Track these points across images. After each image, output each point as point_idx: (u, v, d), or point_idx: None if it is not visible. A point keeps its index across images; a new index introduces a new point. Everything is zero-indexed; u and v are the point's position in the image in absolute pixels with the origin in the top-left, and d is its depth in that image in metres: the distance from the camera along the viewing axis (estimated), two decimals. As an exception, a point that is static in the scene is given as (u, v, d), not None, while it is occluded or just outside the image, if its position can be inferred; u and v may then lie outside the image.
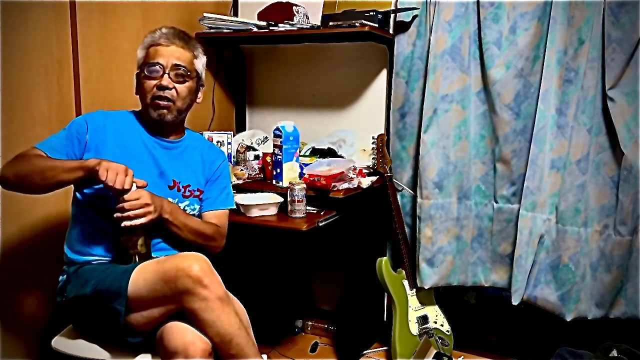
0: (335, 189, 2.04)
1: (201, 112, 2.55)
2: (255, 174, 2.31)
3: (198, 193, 1.71)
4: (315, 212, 2.07)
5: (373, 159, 2.37)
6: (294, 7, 2.38)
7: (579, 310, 2.16)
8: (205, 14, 2.39)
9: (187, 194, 1.69)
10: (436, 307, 2.40)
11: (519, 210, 2.18)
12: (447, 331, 2.38)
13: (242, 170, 2.28)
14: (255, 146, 2.43)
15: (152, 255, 1.54)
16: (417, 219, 2.32)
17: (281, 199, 2.06)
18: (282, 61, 2.75)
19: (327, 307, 2.77)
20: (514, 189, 2.23)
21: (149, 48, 1.61)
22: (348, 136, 2.45)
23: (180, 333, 1.38)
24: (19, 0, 1.75)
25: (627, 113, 2.04)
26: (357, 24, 2.15)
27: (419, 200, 2.31)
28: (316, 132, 2.61)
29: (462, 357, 2.42)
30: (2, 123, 1.72)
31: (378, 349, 2.50)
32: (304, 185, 2.01)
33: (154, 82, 1.58)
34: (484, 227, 2.31)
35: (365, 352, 2.47)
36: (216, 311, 1.38)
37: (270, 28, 2.33)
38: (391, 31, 2.37)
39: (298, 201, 1.98)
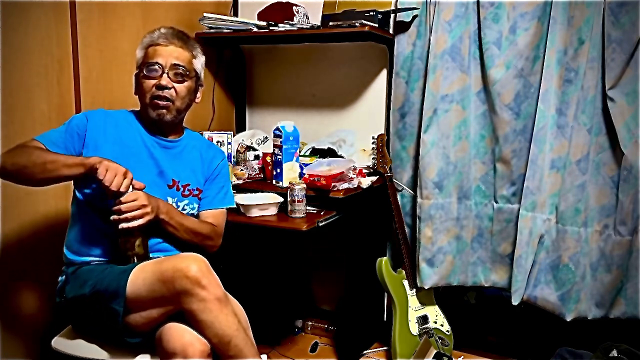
0: (335, 189, 2.04)
1: (201, 112, 2.55)
2: (255, 174, 2.31)
3: (197, 192, 1.71)
4: (315, 212, 2.07)
5: (373, 159, 2.37)
6: (294, 7, 2.38)
7: (579, 310, 2.16)
8: (205, 14, 2.39)
9: (187, 193, 1.69)
10: (436, 307, 2.39)
11: (519, 210, 2.18)
12: (447, 331, 2.38)
13: (242, 170, 2.28)
14: (255, 146, 2.43)
15: (150, 256, 1.54)
16: (417, 219, 2.32)
17: (281, 199, 2.06)
18: (282, 61, 2.75)
19: (327, 307, 2.77)
20: (514, 189, 2.23)
21: (147, 48, 1.61)
22: (348, 136, 2.45)
23: (178, 334, 1.38)
24: (19, 0, 1.75)
25: (627, 113, 2.04)
26: (357, 24, 2.15)
27: (419, 200, 2.31)
28: (316, 132, 2.61)
29: (462, 357, 2.42)
30: (2, 123, 1.72)
31: (378, 349, 2.50)
32: (304, 185, 2.01)
33: (153, 81, 1.58)
34: (484, 227, 2.31)
35: (365, 352, 2.47)
36: (214, 312, 1.38)
37: (270, 28, 2.33)
38: (391, 31, 2.37)
39: (298, 201, 1.98)
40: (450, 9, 2.20)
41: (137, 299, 1.41)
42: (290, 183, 2.03)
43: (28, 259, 1.86)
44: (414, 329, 2.30)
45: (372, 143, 2.36)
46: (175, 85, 1.60)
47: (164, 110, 1.60)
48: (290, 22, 2.32)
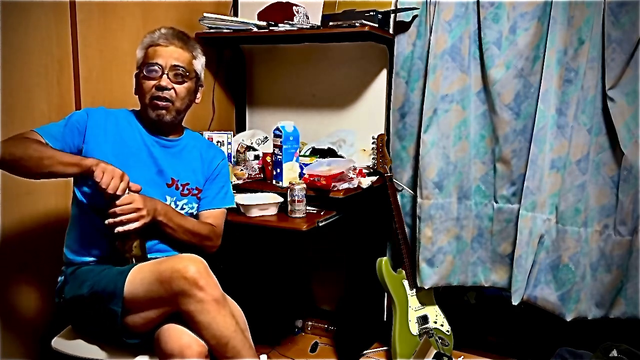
0: (335, 189, 2.04)
1: (201, 112, 2.55)
2: (255, 174, 2.31)
3: (196, 192, 1.71)
4: (315, 212, 2.07)
5: (373, 159, 2.36)
6: (294, 7, 2.38)
7: (579, 310, 2.16)
8: (205, 14, 2.39)
9: (186, 192, 1.68)
10: (436, 307, 2.39)
11: (519, 210, 2.18)
12: (447, 331, 2.38)
13: (242, 170, 2.28)
14: (255, 146, 2.43)
15: (148, 257, 1.54)
16: (417, 219, 2.32)
17: (281, 199, 2.06)
18: (282, 61, 2.75)
19: (327, 307, 2.77)
20: (514, 189, 2.23)
21: (148, 48, 1.61)
22: (348, 136, 2.45)
23: (176, 336, 1.37)
24: (19, 0, 1.75)
25: (627, 113, 2.04)
26: (357, 24, 2.15)
27: (419, 200, 2.31)
28: (316, 132, 2.61)
29: (462, 357, 2.42)
30: (2, 123, 1.72)
31: (378, 349, 2.50)
32: (304, 185, 2.01)
33: (152, 82, 1.58)
34: (484, 227, 2.31)
35: (365, 352, 2.47)
36: (212, 313, 1.37)
37: (270, 28, 2.33)
38: (391, 31, 2.37)
39: (298, 201, 1.98)
40: (450, 9, 2.20)
41: (135, 299, 1.41)
42: (290, 183, 2.03)
43: (28, 253, 1.85)
44: (414, 329, 2.30)
45: (372, 143, 2.36)
46: (175, 86, 1.59)
47: (164, 111, 1.60)
48: (290, 22, 2.32)
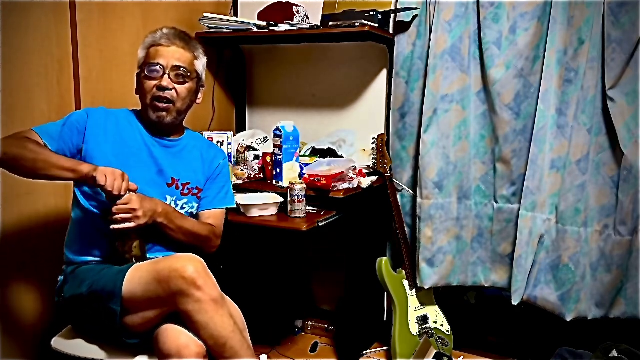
0: (335, 189, 2.04)
1: (201, 112, 2.55)
2: (255, 174, 2.31)
3: (197, 191, 1.71)
4: (315, 212, 2.07)
5: (373, 159, 2.36)
6: (294, 7, 2.38)
7: (579, 310, 2.16)
8: (205, 14, 2.39)
9: (186, 191, 1.68)
10: (436, 307, 2.39)
11: (519, 210, 2.18)
12: (447, 331, 2.38)
13: (242, 170, 2.28)
14: (255, 146, 2.43)
15: (148, 257, 1.54)
16: (417, 219, 2.32)
17: (281, 199, 2.06)
18: (282, 61, 2.75)
19: (327, 307, 2.77)
20: (514, 189, 2.23)
21: (149, 48, 1.61)
22: (348, 136, 2.45)
23: (174, 336, 1.37)
24: (19, 0, 1.75)
25: (627, 113, 2.04)
26: (357, 24, 2.15)
27: (419, 200, 2.31)
28: (316, 132, 2.61)
29: (462, 357, 2.42)
30: (2, 123, 1.72)
31: (378, 349, 2.50)
32: (304, 185, 2.01)
33: (154, 82, 1.57)
34: (484, 227, 2.31)
35: (365, 352, 2.47)
36: (210, 313, 1.37)
37: (270, 28, 2.33)
38: (391, 31, 2.37)
39: (298, 201, 1.98)
40: (450, 9, 2.20)
41: (133, 298, 1.41)
42: (290, 183, 2.03)
43: (28, 253, 1.85)
44: (414, 329, 2.30)
45: (372, 143, 2.36)
46: (176, 86, 1.59)
47: (164, 113, 1.60)
48: (290, 22, 2.32)
